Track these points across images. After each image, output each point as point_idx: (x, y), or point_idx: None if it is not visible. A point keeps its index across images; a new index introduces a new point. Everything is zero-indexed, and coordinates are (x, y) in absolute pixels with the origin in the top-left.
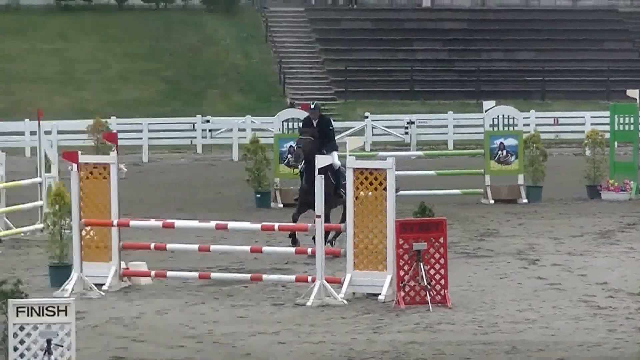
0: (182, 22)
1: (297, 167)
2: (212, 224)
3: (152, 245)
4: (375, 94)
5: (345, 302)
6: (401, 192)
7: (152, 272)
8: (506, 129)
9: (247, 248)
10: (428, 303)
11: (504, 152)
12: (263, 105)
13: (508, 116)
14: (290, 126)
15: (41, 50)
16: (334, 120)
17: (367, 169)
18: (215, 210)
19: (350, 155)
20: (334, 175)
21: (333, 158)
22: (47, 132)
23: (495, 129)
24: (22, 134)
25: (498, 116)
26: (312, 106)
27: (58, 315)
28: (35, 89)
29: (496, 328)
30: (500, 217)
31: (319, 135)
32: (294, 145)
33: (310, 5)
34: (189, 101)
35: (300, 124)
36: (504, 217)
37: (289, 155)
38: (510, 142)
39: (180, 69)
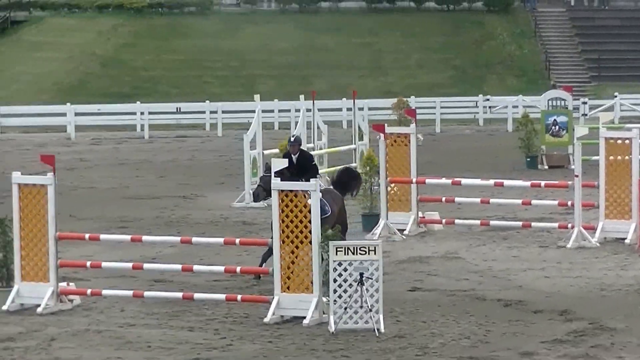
0: (467, 20)
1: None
2: (491, 181)
3: (444, 199)
4: (623, 78)
5: (597, 245)
6: None
7: (443, 220)
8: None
9: (519, 201)
10: None
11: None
12: (532, 87)
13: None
14: (553, 104)
15: (354, 44)
16: (588, 99)
17: (614, 138)
18: (494, 171)
19: (602, 127)
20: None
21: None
22: (360, 109)
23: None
24: (339, 109)
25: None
26: (292, 139)
27: (368, 254)
28: (349, 75)
29: None
30: None
31: (298, 171)
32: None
33: (570, 6)
34: (473, 84)
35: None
36: None
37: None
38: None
39: (466, 58)
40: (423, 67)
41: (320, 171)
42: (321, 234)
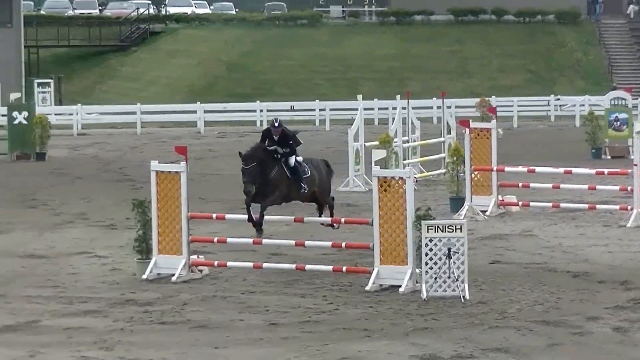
0: (540, 30)
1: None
2: (561, 169)
3: (520, 184)
4: None
5: None
6: None
7: (520, 203)
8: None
9: (586, 187)
10: None
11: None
12: (596, 88)
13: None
14: (615, 102)
15: (443, 51)
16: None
17: None
18: (563, 160)
19: None
20: (291, 172)
21: (288, 157)
22: (448, 107)
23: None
24: (430, 107)
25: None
26: (276, 124)
27: (455, 231)
28: (439, 78)
29: None
30: None
31: (279, 142)
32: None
33: (630, 18)
34: (545, 85)
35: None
36: None
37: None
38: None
39: (539, 63)
40: (503, 71)
41: (413, 161)
42: (304, 189)
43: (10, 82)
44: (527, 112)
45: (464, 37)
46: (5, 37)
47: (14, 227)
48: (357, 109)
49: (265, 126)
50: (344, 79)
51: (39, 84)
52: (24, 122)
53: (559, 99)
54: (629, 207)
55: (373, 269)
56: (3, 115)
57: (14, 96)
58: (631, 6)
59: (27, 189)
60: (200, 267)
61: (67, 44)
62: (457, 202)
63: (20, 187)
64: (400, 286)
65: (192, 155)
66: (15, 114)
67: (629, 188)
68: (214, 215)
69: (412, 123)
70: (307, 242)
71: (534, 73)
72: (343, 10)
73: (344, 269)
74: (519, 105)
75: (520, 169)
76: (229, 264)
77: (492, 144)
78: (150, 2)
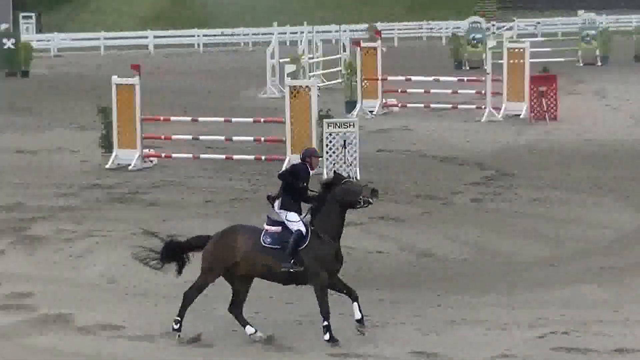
0: None
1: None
2: (432, 78)
3: (400, 90)
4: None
5: (502, 120)
6: None
7: (399, 104)
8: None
9: (450, 91)
10: (546, 119)
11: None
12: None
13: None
14: (473, 26)
15: None
16: (496, 22)
17: (513, 48)
18: (433, 71)
19: (506, 40)
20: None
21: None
22: (344, 31)
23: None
24: (330, 32)
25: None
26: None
27: (349, 127)
28: (341, 8)
29: (583, 131)
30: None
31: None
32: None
33: None
34: (421, 15)
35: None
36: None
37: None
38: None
39: None
40: (388, 5)
41: (317, 73)
42: None
43: (0, 15)
44: (405, 34)
45: None
46: None
47: (6, 129)
48: (273, 34)
49: (202, 48)
50: (263, 10)
51: (24, 17)
52: (12, 47)
53: (429, 24)
54: (483, 107)
55: (286, 157)
56: None
57: (3, 26)
58: None
59: (15, 99)
60: (151, 158)
61: None
62: (350, 105)
63: (9, 97)
64: None
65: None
66: (4, 40)
67: (482, 92)
68: (162, 118)
69: (316, 44)
70: (234, 137)
71: (413, 3)
72: None
73: (264, 157)
74: (399, 29)
75: (400, 78)
76: (174, 155)
77: (378, 59)
78: None
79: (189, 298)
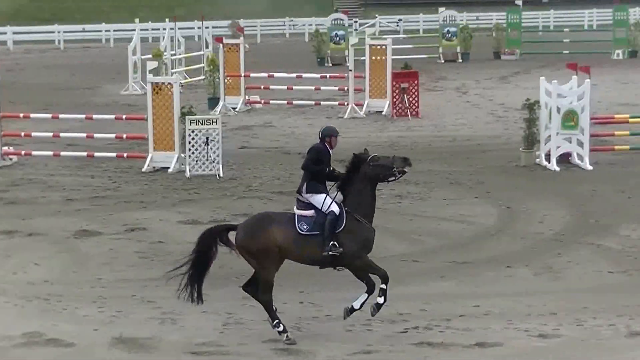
0: None
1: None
2: (294, 75)
3: (262, 87)
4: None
5: (364, 116)
6: None
7: (262, 101)
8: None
9: (312, 87)
10: (408, 116)
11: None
12: (321, 12)
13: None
14: (336, 22)
15: None
16: (359, 19)
17: (375, 44)
18: (295, 67)
19: (368, 37)
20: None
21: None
22: (207, 27)
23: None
24: (192, 28)
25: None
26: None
27: (212, 124)
28: (200, 3)
29: (444, 128)
30: (447, 69)
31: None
32: None
33: None
34: (282, 11)
35: (314, 152)
36: (449, 69)
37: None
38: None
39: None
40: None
41: (179, 70)
42: None
43: None
44: (268, 31)
45: None
46: None
47: None
48: (134, 30)
49: (63, 44)
50: (125, 6)
51: None
52: None
53: (292, 21)
54: (346, 103)
55: (148, 155)
56: None
57: None
58: None
59: None
60: (11, 156)
61: None
62: (213, 102)
63: None
64: (169, 168)
65: (3, 68)
66: None
67: (345, 88)
68: (22, 115)
69: (178, 40)
70: (95, 135)
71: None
72: None
73: (125, 155)
74: (261, 26)
75: (262, 74)
76: (34, 153)
77: (241, 55)
78: None
79: (267, 301)
